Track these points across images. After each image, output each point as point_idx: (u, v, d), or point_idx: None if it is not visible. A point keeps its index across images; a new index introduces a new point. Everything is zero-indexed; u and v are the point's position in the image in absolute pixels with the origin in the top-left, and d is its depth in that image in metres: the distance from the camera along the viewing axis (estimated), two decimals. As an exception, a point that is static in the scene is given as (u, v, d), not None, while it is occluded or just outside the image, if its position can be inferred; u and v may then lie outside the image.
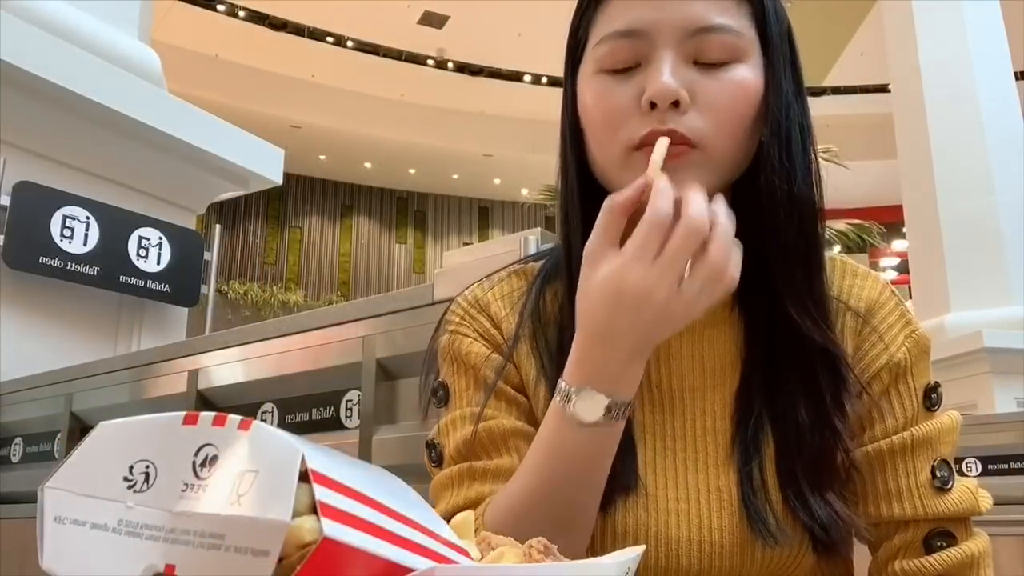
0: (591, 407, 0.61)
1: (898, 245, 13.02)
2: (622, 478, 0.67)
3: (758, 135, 0.68)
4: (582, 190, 0.72)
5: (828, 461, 0.67)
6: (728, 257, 0.60)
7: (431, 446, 0.75)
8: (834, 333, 0.69)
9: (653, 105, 0.64)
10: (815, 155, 0.70)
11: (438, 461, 0.74)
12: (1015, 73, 5.78)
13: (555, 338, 0.72)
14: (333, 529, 0.30)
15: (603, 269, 0.60)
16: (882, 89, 11.18)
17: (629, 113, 0.66)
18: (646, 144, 0.65)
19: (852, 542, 0.71)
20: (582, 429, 0.62)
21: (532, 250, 1.10)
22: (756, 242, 0.69)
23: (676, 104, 0.64)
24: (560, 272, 0.74)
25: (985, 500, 0.70)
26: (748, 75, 0.66)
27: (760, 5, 0.68)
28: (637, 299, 0.59)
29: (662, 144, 0.63)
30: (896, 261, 13.54)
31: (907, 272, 6.30)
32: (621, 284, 0.59)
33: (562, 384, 0.63)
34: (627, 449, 0.68)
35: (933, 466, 0.68)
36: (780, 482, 0.67)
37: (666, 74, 0.64)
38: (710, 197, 0.67)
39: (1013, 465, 2.12)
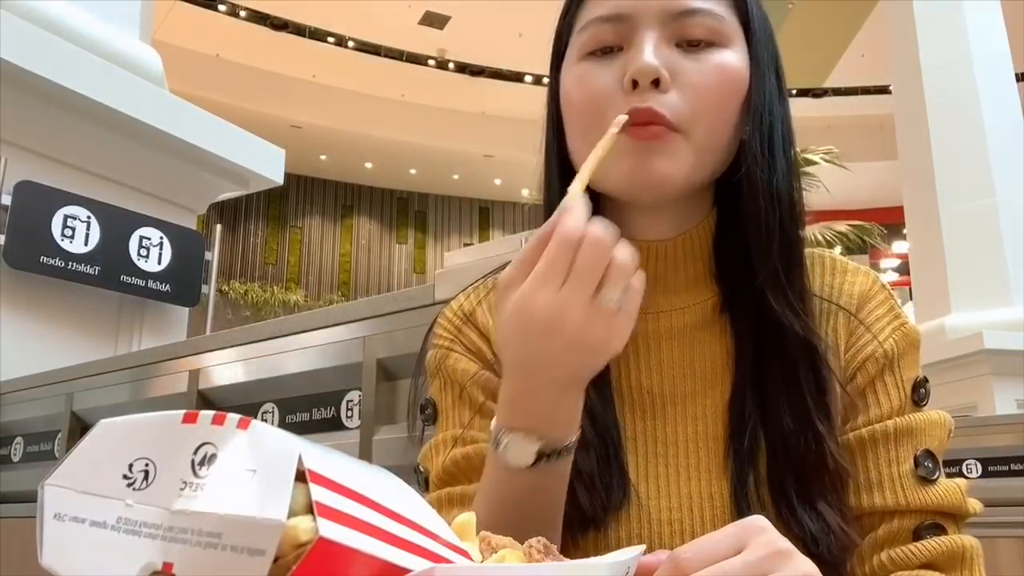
0: (521, 451, 0.58)
1: (899, 247, 13.00)
2: (613, 493, 0.66)
3: (740, 129, 0.68)
4: (563, 186, 0.70)
5: (815, 467, 0.65)
6: (635, 259, 0.55)
7: (417, 471, 0.73)
8: (816, 328, 0.68)
9: (635, 84, 0.64)
10: (796, 156, 0.70)
11: (424, 486, 0.72)
12: (1016, 74, 5.78)
13: None
14: (329, 529, 0.30)
15: (512, 297, 0.55)
16: (883, 90, 11.18)
17: (611, 95, 0.66)
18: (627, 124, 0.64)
19: (847, 559, 0.66)
20: (517, 474, 0.58)
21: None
22: (741, 243, 0.68)
23: (656, 84, 0.64)
24: None
25: (974, 503, 0.68)
26: (732, 58, 0.66)
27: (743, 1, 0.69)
28: (546, 324, 0.53)
29: (587, 165, 0.60)
30: (897, 262, 13.53)
31: (908, 273, 6.30)
32: (529, 310, 0.54)
33: (492, 427, 0.60)
34: (616, 463, 0.67)
35: (916, 456, 0.66)
36: (771, 493, 0.65)
37: (647, 53, 0.64)
38: (692, 188, 0.67)
39: (1013, 467, 2.12)
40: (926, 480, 0.65)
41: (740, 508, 0.65)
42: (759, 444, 0.66)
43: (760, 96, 0.67)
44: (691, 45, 0.66)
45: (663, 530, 0.66)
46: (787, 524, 0.64)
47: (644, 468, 0.68)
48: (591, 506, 0.65)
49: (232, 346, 1.62)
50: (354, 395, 1.39)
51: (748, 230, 0.67)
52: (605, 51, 0.67)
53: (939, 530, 0.65)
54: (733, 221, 0.70)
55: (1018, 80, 5.84)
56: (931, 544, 0.64)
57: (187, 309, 2.94)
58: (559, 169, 0.72)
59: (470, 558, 0.39)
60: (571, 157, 0.71)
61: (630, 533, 0.66)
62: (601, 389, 0.68)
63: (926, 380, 0.70)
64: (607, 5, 0.67)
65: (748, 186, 0.67)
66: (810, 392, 0.66)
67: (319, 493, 0.31)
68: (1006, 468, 2.13)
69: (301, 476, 0.32)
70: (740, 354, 0.69)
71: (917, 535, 0.65)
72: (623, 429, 0.69)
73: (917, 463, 0.66)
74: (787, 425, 0.65)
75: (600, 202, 0.71)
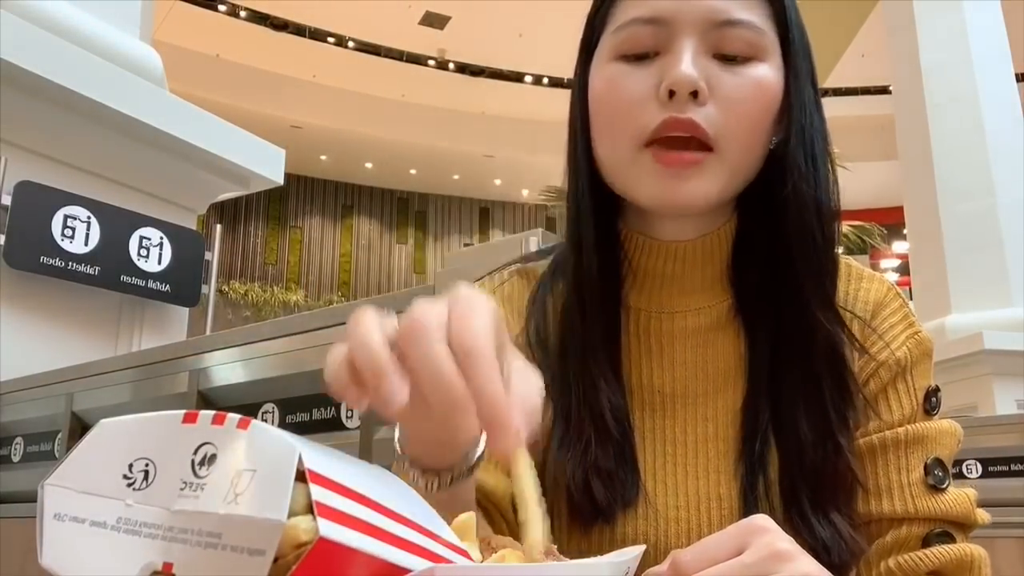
0: (409, 480, 0.52)
1: (899, 247, 13.00)
2: (623, 490, 0.66)
3: (769, 140, 0.67)
4: (592, 185, 0.70)
5: (831, 478, 0.65)
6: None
7: None
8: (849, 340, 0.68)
9: (671, 94, 0.63)
10: (833, 164, 0.70)
11: None
12: (1016, 74, 5.78)
13: (556, 346, 0.71)
14: (329, 529, 0.30)
15: None
16: (883, 90, 11.19)
17: (645, 101, 0.64)
18: (661, 134, 0.63)
19: (854, 566, 0.67)
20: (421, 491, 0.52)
21: (533, 251, 1.09)
22: (764, 250, 0.68)
23: (695, 95, 0.63)
24: (563, 271, 0.73)
25: (982, 513, 0.68)
26: (769, 74, 0.65)
27: (782, 9, 0.67)
28: None
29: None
30: (897, 263, 13.53)
31: (908, 274, 6.30)
32: None
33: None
34: (628, 460, 0.67)
35: (926, 464, 0.66)
36: (783, 498, 0.65)
37: (687, 63, 0.63)
38: (722, 202, 0.67)
39: (1014, 467, 2.12)
40: (936, 488, 0.66)
41: (749, 510, 0.65)
42: (770, 448, 0.66)
43: (800, 109, 0.67)
44: (728, 58, 0.65)
45: (669, 528, 0.66)
46: (797, 530, 0.63)
47: (653, 466, 0.68)
48: (606, 499, 0.65)
49: (232, 346, 1.62)
50: (354, 395, 1.38)
51: (793, 243, 0.66)
52: (640, 55, 0.66)
53: (948, 538, 0.65)
54: (755, 225, 0.70)
55: (1018, 80, 5.84)
56: (939, 551, 0.64)
57: (187, 309, 2.93)
58: (587, 167, 0.70)
59: (470, 558, 0.39)
60: (596, 156, 0.69)
61: (636, 530, 0.66)
62: (616, 386, 0.68)
63: (938, 389, 0.70)
64: (647, 6, 0.65)
65: (795, 200, 0.66)
66: (832, 402, 0.66)
67: (319, 493, 0.31)
68: (1006, 468, 2.13)
69: (301, 476, 0.32)
70: (755, 358, 0.69)
71: (926, 542, 0.65)
72: (634, 427, 0.69)
73: (927, 471, 0.66)
74: (804, 434, 0.65)
75: (622, 202, 0.71)
